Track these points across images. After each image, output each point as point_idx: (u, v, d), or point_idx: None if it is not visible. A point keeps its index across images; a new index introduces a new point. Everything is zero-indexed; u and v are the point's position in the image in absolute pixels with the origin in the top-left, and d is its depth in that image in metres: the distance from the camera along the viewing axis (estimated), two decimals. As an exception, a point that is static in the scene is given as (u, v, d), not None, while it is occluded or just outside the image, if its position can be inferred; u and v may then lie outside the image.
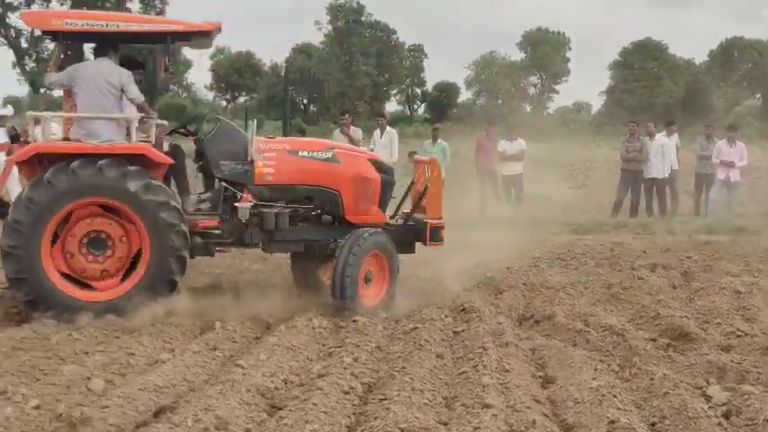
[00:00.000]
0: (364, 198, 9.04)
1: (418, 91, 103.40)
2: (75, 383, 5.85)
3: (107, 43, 8.52)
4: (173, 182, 8.70)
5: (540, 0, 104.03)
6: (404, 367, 6.37)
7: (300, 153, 8.87)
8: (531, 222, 15.88)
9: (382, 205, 9.27)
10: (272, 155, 8.78)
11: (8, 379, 5.78)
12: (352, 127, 16.90)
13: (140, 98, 8.37)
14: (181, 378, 6.05)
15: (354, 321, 7.89)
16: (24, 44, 40.42)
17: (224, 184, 8.64)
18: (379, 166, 9.33)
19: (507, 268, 11.09)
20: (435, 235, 9.18)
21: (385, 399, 5.63)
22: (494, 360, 6.55)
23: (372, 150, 17.28)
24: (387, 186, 9.27)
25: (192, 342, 7.06)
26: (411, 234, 9.34)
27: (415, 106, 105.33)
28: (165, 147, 8.70)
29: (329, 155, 8.97)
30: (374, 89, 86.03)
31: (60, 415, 5.25)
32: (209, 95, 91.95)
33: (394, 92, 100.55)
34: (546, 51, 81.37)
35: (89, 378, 5.98)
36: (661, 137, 18.08)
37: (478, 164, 18.18)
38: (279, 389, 5.99)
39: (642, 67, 71.13)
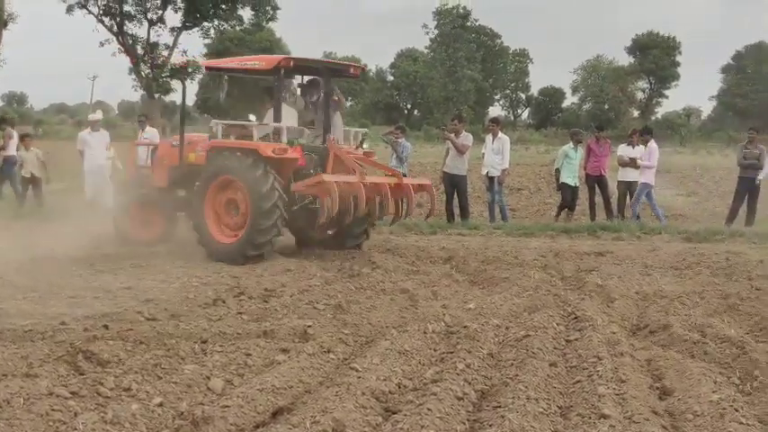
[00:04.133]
0: None
1: (522, 96, 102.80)
2: (195, 382, 5.99)
3: None
4: None
5: (649, 5, 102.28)
6: (517, 375, 6.32)
7: None
8: (639, 230, 15.62)
9: None
10: None
11: (132, 376, 5.94)
12: (463, 132, 16.75)
13: None
14: (297, 380, 6.12)
15: (465, 327, 7.88)
16: (140, 51, 41.55)
17: None
18: None
19: (619, 277, 10.91)
20: None
21: (499, 406, 5.60)
22: (609, 370, 6.44)
23: (483, 156, 17.27)
24: None
25: (306, 344, 7.14)
26: None
27: (519, 111, 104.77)
28: None
29: None
30: (478, 94, 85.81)
31: (182, 413, 5.42)
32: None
33: (497, 96, 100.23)
34: (655, 55, 79.78)
35: (208, 377, 6.12)
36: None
37: (588, 169, 17.88)
38: (393, 393, 6.00)
39: (756, 70, 69.17)
